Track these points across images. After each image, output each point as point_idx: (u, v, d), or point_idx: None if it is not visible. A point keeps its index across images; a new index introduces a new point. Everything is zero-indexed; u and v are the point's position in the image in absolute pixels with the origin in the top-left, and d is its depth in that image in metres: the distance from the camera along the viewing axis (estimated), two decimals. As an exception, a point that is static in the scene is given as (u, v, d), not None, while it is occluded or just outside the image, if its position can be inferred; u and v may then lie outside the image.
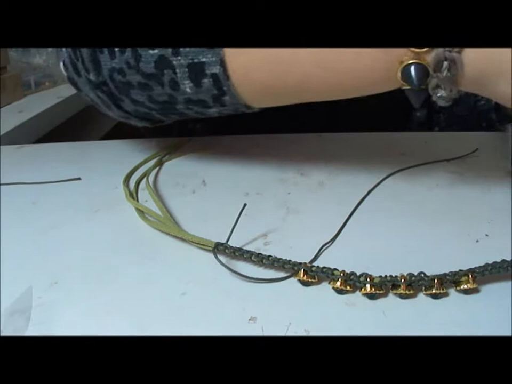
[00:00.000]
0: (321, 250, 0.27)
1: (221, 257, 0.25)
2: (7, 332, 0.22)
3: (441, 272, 0.23)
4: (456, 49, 0.24)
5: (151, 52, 0.28)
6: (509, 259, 0.23)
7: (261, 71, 0.28)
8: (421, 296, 0.23)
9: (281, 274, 0.25)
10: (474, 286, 0.23)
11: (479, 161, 0.36)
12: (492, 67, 0.24)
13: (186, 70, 0.28)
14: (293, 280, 0.24)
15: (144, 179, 0.35)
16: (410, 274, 0.23)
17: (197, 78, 0.29)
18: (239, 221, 0.26)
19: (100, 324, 0.22)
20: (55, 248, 0.28)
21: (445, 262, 0.24)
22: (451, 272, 0.23)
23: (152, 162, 0.38)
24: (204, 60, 0.28)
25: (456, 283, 0.23)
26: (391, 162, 0.36)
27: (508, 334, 0.21)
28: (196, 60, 0.28)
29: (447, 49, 0.24)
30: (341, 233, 0.28)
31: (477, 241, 0.27)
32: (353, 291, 0.24)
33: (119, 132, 0.42)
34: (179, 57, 0.28)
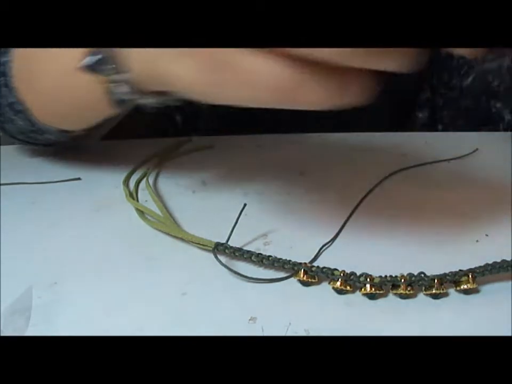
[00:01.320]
0: (321, 250, 0.27)
1: (221, 257, 0.25)
2: (7, 332, 0.22)
3: (441, 272, 0.23)
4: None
5: None
6: (509, 259, 0.23)
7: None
8: (421, 296, 0.23)
9: (281, 274, 0.25)
10: (474, 286, 0.23)
11: (479, 161, 0.36)
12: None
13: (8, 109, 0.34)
14: (293, 280, 0.24)
15: (144, 179, 0.35)
16: (410, 274, 0.23)
17: (16, 114, 0.34)
18: (239, 221, 0.26)
19: (100, 324, 0.22)
20: (55, 248, 0.28)
21: (445, 262, 0.24)
22: (451, 272, 0.23)
23: (152, 162, 0.38)
24: (11, 100, 0.33)
25: (456, 283, 0.23)
26: (391, 162, 0.36)
27: (508, 334, 0.21)
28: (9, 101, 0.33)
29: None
30: (341, 233, 0.28)
31: (477, 241, 0.27)
32: (353, 291, 0.24)
33: (119, 132, 0.42)
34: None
